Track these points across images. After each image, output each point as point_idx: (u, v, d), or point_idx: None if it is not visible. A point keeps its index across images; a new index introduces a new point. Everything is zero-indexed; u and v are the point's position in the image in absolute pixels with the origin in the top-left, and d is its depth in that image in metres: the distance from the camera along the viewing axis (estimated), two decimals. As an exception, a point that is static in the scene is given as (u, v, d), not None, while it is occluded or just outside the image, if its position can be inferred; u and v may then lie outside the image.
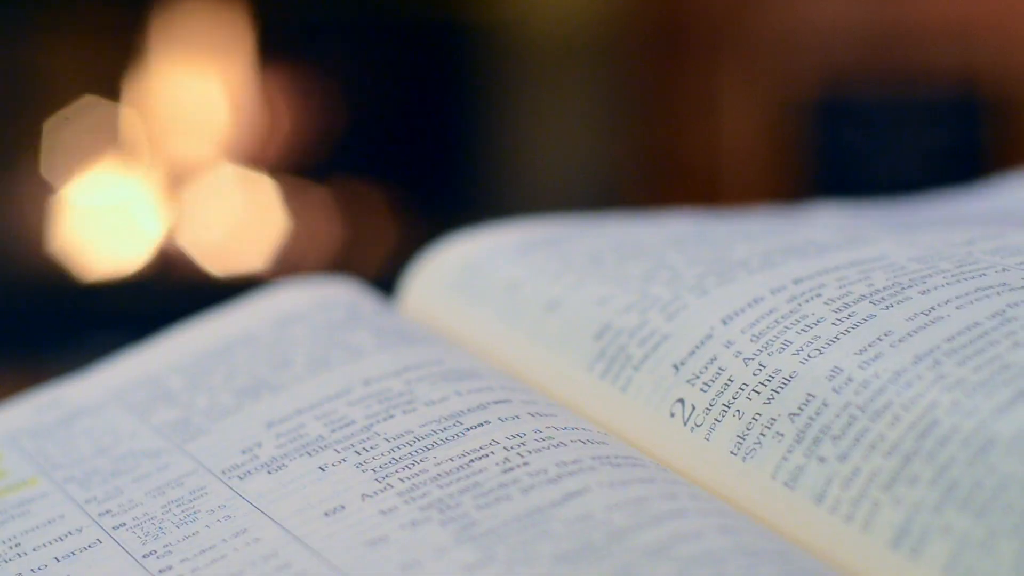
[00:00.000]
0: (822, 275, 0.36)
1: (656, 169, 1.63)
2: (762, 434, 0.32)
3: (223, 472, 0.34)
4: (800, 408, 0.32)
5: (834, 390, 0.31)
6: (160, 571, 0.31)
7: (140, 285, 1.52)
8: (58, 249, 1.53)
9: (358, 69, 1.59)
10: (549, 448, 0.32)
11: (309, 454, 0.34)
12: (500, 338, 0.39)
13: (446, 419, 0.34)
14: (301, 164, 1.57)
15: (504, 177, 1.58)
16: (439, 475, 0.32)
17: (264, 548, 0.31)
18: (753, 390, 0.33)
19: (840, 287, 0.35)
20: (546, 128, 1.59)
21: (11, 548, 0.33)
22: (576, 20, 1.58)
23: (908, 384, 0.31)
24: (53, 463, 0.36)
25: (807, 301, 0.35)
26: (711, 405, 0.33)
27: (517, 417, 0.34)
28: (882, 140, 1.53)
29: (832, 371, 0.32)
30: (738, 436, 0.32)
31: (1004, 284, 0.33)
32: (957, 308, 0.33)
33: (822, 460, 0.30)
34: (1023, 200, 0.46)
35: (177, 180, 1.55)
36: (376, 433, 0.34)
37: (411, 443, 0.33)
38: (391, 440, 0.33)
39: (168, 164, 1.55)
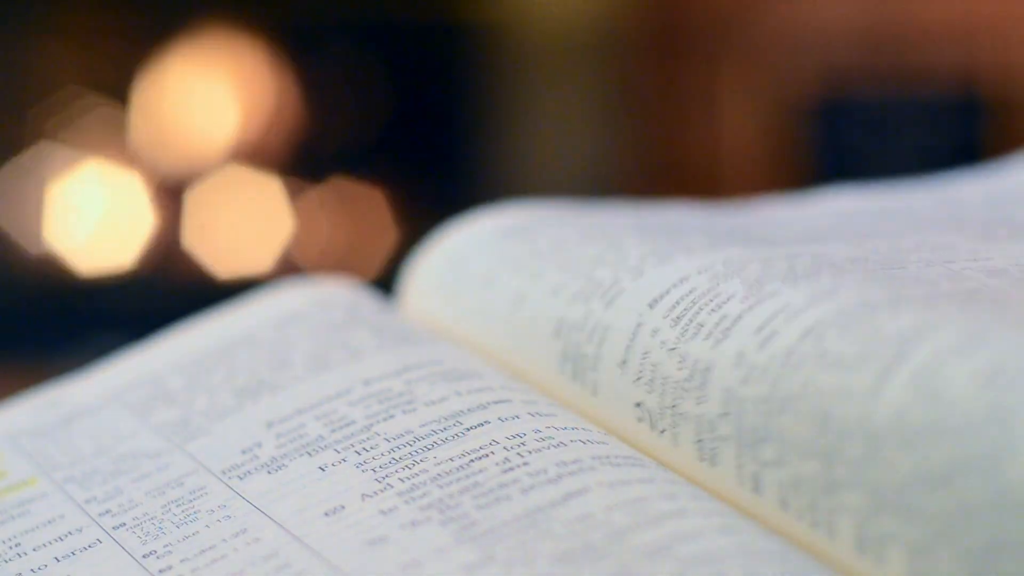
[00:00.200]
0: (752, 259, 0.34)
1: (656, 169, 1.63)
2: (712, 439, 0.31)
3: (223, 472, 0.34)
4: (725, 408, 0.31)
5: (742, 381, 0.31)
6: (160, 571, 0.31)
7: (140, 285, 1.52)
8: (58, 249, 1.53)
9: (358, 69, 1.59)
10: (549, 448, 0.32)
11: (309, 454, 0.34)
12: (480, 336, 0.39)
13: (446, 419, 0.34)
14: (302, 164, 1.57)
15: (505, 177, 1.58)
16: (439, 475, 0.32)
17: (264, 548, 0.31)
18: (683, 388, 0.32)
19: (761, 269, 0.34)
20: (546, 128, 1.59)
21: (11, 548, 0.33)
22: (576, 20, 1.58)
23: (796, 366, 0.30)
24: (53, 463, 0.36)
25: (725, 280, 0.34)
26: (661, 409, 0.33)
27: (517, 417, 0.34)
28: (882, 140, 1.53)
29: (737, 356, 0.31)
30: (696, 441, 0.31)
31: (919, 279, 0.33)
32: (855, 284, 0.32)
33: (766, 464, 0.30)
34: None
35: (180, 180, 1.55)
36: (376, 433, 0.34)
37: (411, 443, 0.33)
38: (391, 440, 0.33)
39: (171, 164, 1.55)
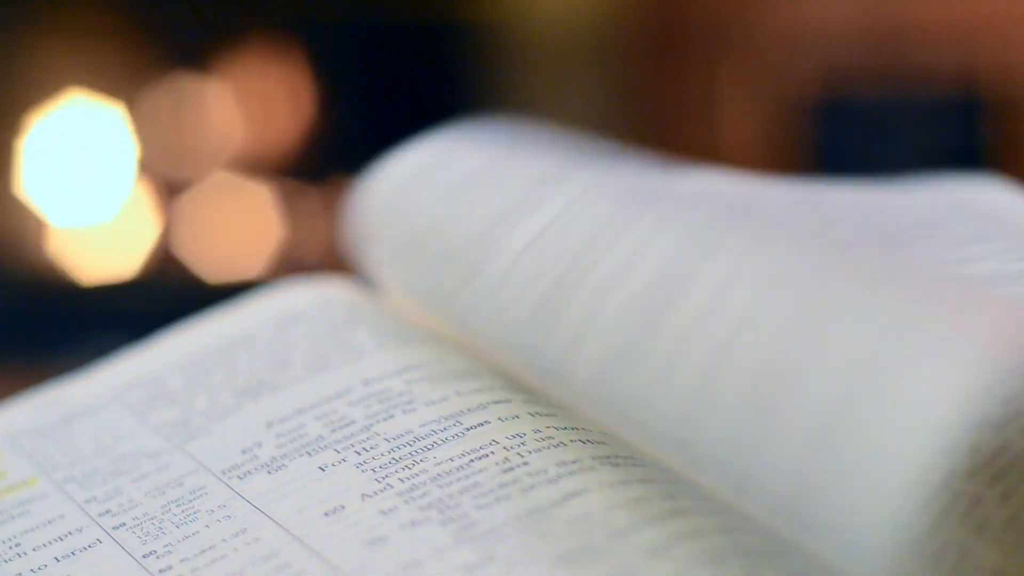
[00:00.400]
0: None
1: (656, 169, 1.63)
2: None
3: (223, 472, 0.34)
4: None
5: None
6: (160, 571, 0.31)
7: (138, 289, 1.52)
8: (57, 250, 1.53)
9: (358, 69, 1.59)
10: (549, 448, 0.32)
11: (309, 454, 0.34)
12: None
13: (446, 419, 0.34)
14: (300, 166, 1.57)
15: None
16: (439, 475, 0.32)
17: (264, 548, 0.31)
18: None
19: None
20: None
21: (11, 548, 0.33)
22: (576, 20, 1.58)
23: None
24: (53, 463, 0.36)
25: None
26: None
27: (517, 417, 0.34)
28: (882, 140, 1.53)
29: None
30: None
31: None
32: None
33: None
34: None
35: (175, 185, 1.55)
36: (376, 433, 0.34)
37: (411, 443, 0.33)
38: (391, 440, 0.33)
39: (166, 169, 1.55)
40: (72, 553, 0.33)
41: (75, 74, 1.55)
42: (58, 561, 0.33)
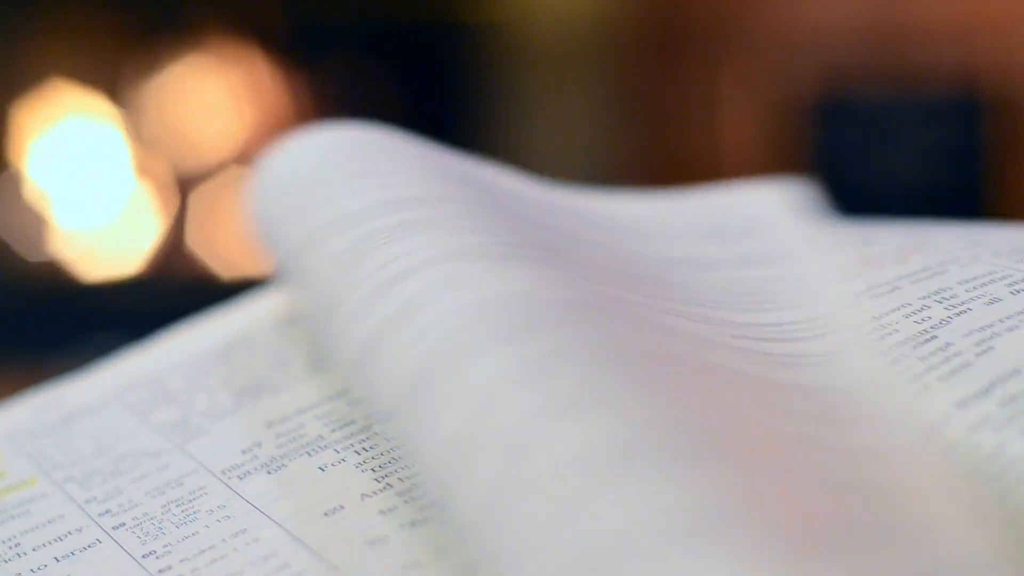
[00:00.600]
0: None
1: (656, 169, 1.63)
2: None
3: (223, 472, 0.34)
4: None
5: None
6: (160, 571, 0.31)
7: (143, 286, 1.52)
8: (59, 249, 1.53)
9: (358, 69, 1.59)
10: None
11: (309, 454, 0.34)
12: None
13: None
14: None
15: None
16: None
17: (264, 548, 0.31)
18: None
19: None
20: (546, 128, 1.59)
21: (11, 548, 0.33)
22: (576, 20, 1.58)
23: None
24: (53, 463, 0.36)
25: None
26: None
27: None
28: (882, 140, 1.53)
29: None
30: None
31: None
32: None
33: None
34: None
35: (182, 181, 1.55)
36: (376, 432, 0.34)
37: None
38: (391, 440, 0.33)
39: (175, 166, 1.55)
40: (72, 553, 0.33)
41: (74, 72, 1.55)
42: (58, 561, 0.33)
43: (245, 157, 1.56)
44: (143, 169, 1.55)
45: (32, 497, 0.35)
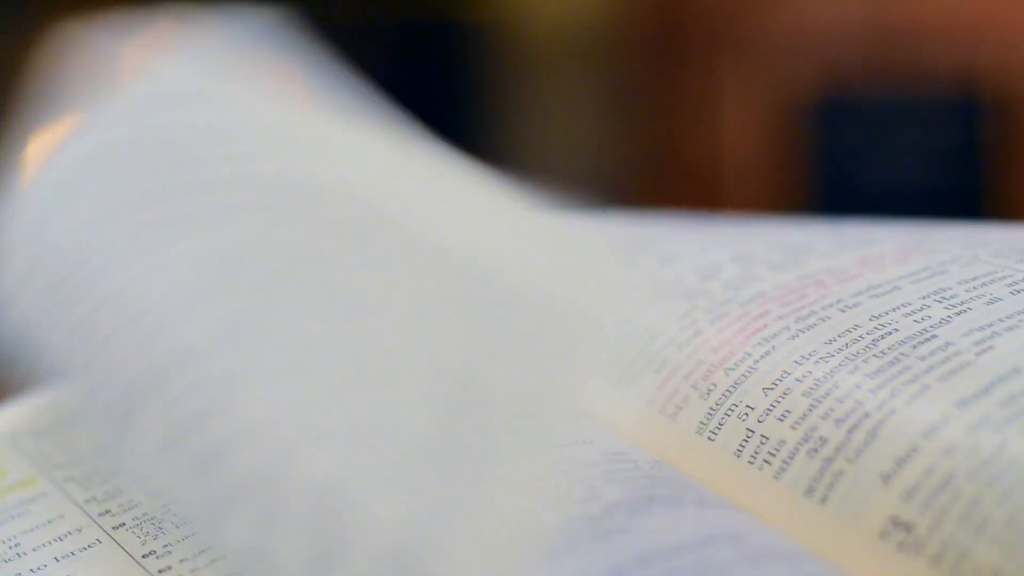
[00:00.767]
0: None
1: (656, 169, 1.63)
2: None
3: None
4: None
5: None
6: (160, 571, 0.31)
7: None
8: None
9: (358, 69, 1.59)
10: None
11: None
12: None
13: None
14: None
15: (505, 177, 1.58)
16: None
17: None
18: None
19: None
20: (546, 128, 1.59)
21: (11, 548, 0.33)
22: (576, 20, 1.58)
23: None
24: (53, 463, 0.36)
25: None
26: None
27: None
28: (882, 140, 1.53)
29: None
30: None
31: None
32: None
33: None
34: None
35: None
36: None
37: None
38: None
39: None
40: (72, 553, 0.33)
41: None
42: (58, 561, 0.33)
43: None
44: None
45: (32, 497, 0.35)
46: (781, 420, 0.31)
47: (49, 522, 0.34)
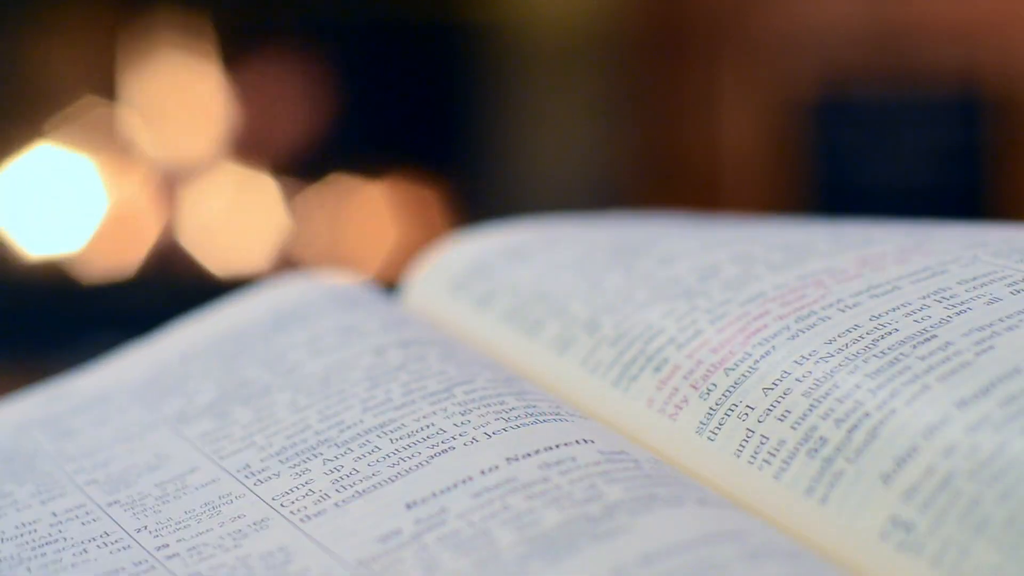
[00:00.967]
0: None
1: (656, 169, 1.63)
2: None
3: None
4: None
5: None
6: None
7: (140, 285, 1.52)
8: (59, 251, 1.53)
9: (358, 69, 1.59)
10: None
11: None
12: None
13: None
14: (302, 164, 1.57)
15: (505, 177, 1.58)
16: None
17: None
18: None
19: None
20: (546, 128, 1.59)
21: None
22: (576, 20, 1.58)
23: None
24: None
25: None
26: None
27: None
28: (882, 140, 1.53)
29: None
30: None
31: None
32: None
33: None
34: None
35: (176, 179, 1.55)
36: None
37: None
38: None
39: (167, 163, 1.55)
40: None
41: (81, 74, 1.55)
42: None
43: (239, 154, 1.56)
44: (140, 168, 1.55)
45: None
46: (781, 420, 0.31)
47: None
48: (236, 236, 1.56)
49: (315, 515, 0.32)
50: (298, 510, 0.32)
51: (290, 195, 1.56)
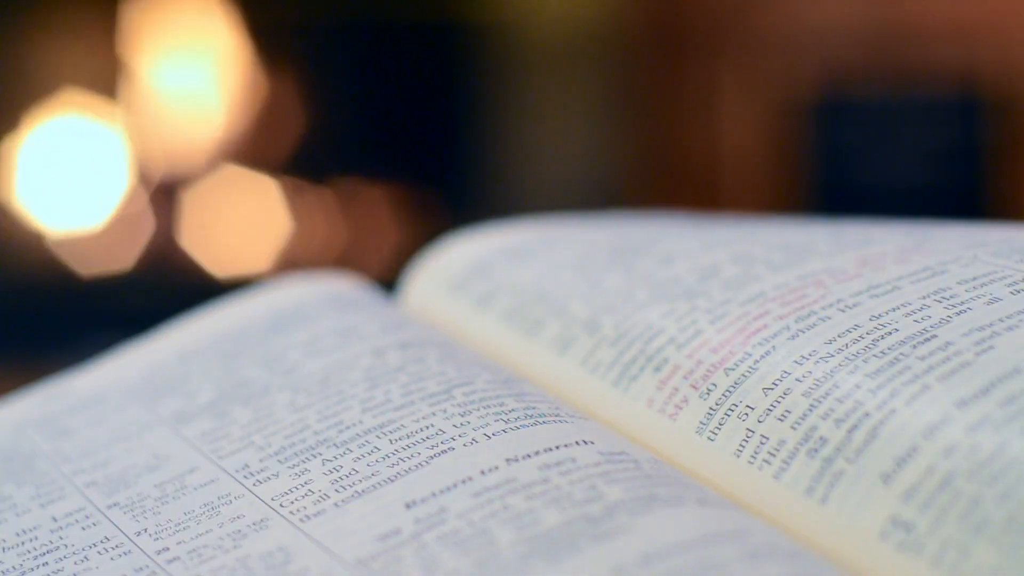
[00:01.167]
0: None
1: (656, 169, 1.63)
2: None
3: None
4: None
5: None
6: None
7: (139, 286, 1.52)
8: (56, 248, 1.53)
9: (359, 69, 1.59)
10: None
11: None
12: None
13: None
14: (302, 165, 1.57)
15: (505, 177, 1.58)
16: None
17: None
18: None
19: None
20: (546, 128, 1.59)
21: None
22: (576, 20, 1.58)
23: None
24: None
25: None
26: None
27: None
28: (882, 140, 1.53)
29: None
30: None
31: None
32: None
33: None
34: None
35: (177, 181, 1.55)
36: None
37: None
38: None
39: (168, 165, 1.55)
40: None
41: (69, 73, 1.55)
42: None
43: (239, 155, 1.56)
44: (139, 167, 1.55)
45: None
46: (781, 420, 0.31)
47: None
48: (237, 237, 1.56)
49: (314, 515, 0.31)
50: (297, 510, 0.32)
51: (291, 197, 1.56)
